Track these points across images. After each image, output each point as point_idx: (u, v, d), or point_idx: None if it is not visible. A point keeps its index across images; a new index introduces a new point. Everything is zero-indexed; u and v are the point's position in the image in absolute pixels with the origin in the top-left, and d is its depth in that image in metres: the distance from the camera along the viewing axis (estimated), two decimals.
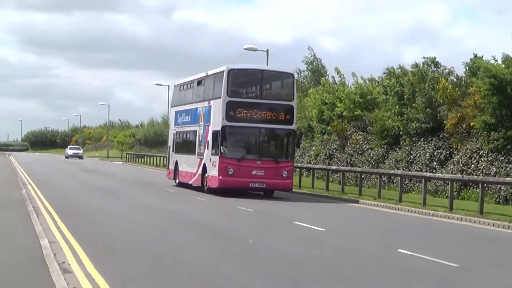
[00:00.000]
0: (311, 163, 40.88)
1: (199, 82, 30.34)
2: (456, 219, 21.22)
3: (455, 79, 33.88)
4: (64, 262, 10.63)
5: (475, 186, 25.40)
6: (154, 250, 13.37)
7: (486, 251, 15.70)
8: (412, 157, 32.17)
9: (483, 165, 27.65)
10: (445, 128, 30.81)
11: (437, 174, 27.60)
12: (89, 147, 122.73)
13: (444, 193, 26.72)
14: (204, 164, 27.41)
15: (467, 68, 33.47)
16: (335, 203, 26.65)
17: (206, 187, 27.23)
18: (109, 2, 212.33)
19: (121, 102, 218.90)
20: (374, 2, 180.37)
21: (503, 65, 28.59)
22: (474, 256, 14.57)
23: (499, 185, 24.81)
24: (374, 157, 35.37)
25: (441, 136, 31.37)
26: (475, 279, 11.70)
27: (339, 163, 37.71)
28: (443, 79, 33.04)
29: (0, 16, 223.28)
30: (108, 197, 25.85)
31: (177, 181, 32.13)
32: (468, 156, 28.84)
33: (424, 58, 35.72)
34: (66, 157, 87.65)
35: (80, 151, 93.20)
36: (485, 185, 23.46)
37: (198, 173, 28.17)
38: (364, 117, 37.64)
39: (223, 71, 26.33)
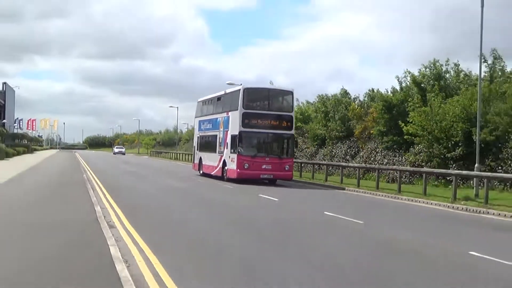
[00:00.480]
0: None
1: (219, 98, 27.61)
2: (362, 192, 21.70)
3: (359, 103, 33.85)
4: (110, 221, 10.83)
5: (373, 171, 25.53)
6: (169, 215, 13.08)
7: (379, 211, 15.87)
8: (333, 153, 32.35)
9: (378, 158, 28.22)
10: (354, 134, 31.07)
11: (349, 164, 28.05)
12: (126, 147, 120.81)
13: (354, 175, 26.74)
14: (224, 160, 25.14)
15: (368, 95, 33.62)
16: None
17: (226, 177, 24.80)
18: (139, 53, 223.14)
19: (147, 118, 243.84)
20: (313, 52, 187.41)
21: (391, 94, 29.35)
22: (364, 212, 14.91)
23: (388, 171, 25.29)
24: (309, 153, 35.40)
25: (351, 139, 31.57)
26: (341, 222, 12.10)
27: None
28: (352, 103, 33.32)
29: (69, 61, 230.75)
30: (138, 179, 25.04)
31: (201, 171, 29.31)
32: (369, 152, 29.33)
33: (341, 89, 35.97)
34: (113, 154, 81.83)
35: (123, 149, 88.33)
36: (380, 170, 23.96)
37: (219, 166, 25.81)
38: (303, 127, 37.14)
39: (239, 90, 24.08)
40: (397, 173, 22.20)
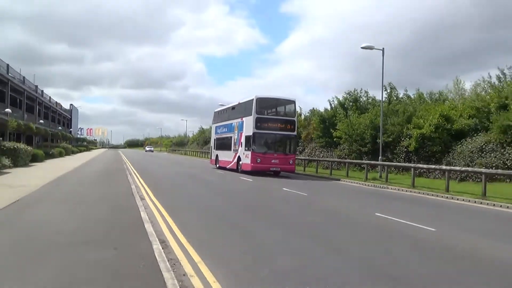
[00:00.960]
0: None
1: (233, 108, 23.51)
2: (308, 173, 21.05)
3: (304, 117, 33.30)
4: (141, 195, 10.53)
5: (314, 162, 25.08)
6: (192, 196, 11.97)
7: (319, 187, 14.84)
8: None
9: (317, 153, 28.13)
10: (301, 138, 30.71)
11: (300, 156, 26.99)
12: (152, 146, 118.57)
13: (301, 165, 25.59)
14: (239, 156, 21.53)
15: (310, 112, 33.16)
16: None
17: (240, 170, 21.27)
18: (161, 84, 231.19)
19: (165, 126, 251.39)
20: (275, 84, 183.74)
21: (324, 112, 29.25)
22: (312, 188, 14.05)
23: (324, 161, 24.67)
24: None
25: (299, 141, 30.79)
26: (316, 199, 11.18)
27: None
28: (299, 117, 33.08)
29: (114, 90, 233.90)
30: (160, 167, 24.09)
31: (217, 165, 25.07)
32: (311, 149, 29.15)
33: None
34: (145, 151, 75.38)
35: (152, 148, 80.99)
36: (318, 161, 24.01)
37: (234, 161, 22.24)
38: None
39: (253, 99, 20.39)
40: (329, 163, 22.37)
